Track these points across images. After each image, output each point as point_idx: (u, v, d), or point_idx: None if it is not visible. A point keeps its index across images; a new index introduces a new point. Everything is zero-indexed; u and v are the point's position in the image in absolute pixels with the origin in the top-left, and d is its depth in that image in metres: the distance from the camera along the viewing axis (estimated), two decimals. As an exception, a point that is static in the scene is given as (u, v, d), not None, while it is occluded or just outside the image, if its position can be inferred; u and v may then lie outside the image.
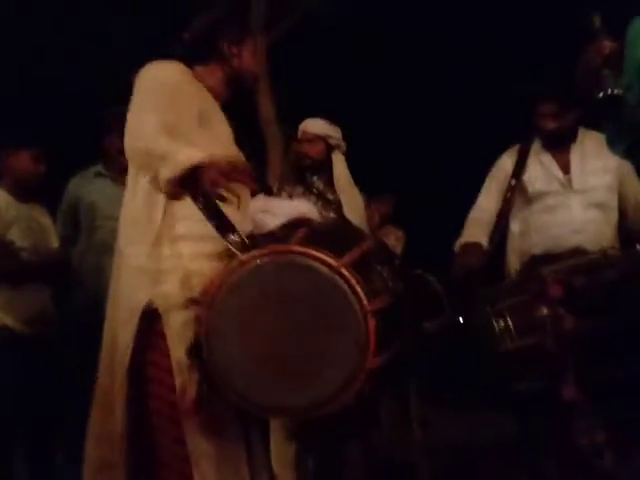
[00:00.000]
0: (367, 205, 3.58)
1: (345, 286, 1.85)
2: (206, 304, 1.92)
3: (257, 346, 1.91)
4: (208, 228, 1.99)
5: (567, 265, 2.57)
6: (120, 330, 2.07)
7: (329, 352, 1.88)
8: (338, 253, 1.90)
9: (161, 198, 2.06)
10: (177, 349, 2.01)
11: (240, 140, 2.34)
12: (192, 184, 1.93)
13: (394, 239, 4.89)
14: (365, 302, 1.84)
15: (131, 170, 2.16)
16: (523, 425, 2.68)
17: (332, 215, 3.21)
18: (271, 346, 1.90)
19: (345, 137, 3.50)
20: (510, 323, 2.43)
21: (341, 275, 1.85)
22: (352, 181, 3.45)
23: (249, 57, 2.27)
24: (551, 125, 2.93)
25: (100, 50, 6.89)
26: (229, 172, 1.89)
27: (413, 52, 6.85)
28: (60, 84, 6.70)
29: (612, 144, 1.81)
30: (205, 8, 2.38)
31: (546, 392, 2.39)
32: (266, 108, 6.67)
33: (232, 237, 1.94)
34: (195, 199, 1.96)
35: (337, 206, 3.30)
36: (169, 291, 2.03)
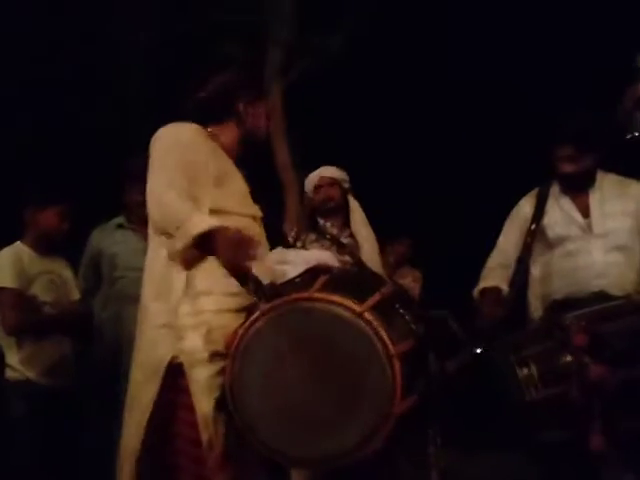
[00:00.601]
0: (382, 247, 3.62)
1: (369, 330, 1.87)
2: (230, 356, 1.94)
3: (282, 396, 1.92)
4: (230, 283, 2.02)
5: (590, 311, 2.55)
6: (142, 388, 2.08)
7: (355, 399, 1.88)
8: (359, 298, 1.92)
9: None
10: (202, 404, 2.02)
11: (257, 194, 2.38)
12: (207, 248, 1.98)
13: (411, 280, 4.94)
14: (390, 345, 1.86)
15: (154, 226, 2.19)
16: (550, 475, 2.65)
17: (347, 259, 3.25)
18: (296, 395, 1.91)
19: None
20: (534, 372, 2.42)
21: (364, 319, 1.87)
22: (368, 223, 3.52)
23: (262, 116, 2.33)
24: (569, 169, 2.93)
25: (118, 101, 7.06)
26: (241, 243, 1.94)
27: (430, 95, 6.93)
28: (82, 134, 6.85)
29: None
30: (220, 67, 2.44)
31: (573, 441, 2.36)
32: (282, 153, 6.76)
33: (254, 287, 1.97)
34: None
35: (352, 250, 3.36)
36: (194, 346, 2.05)
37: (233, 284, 2.02)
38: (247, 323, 1.95)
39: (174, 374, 2.06)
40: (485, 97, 6.78)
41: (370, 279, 2.42)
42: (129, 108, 7.12)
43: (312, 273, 2.09)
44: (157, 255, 2.15)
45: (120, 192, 3.73)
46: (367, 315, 1.88)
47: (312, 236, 3.43)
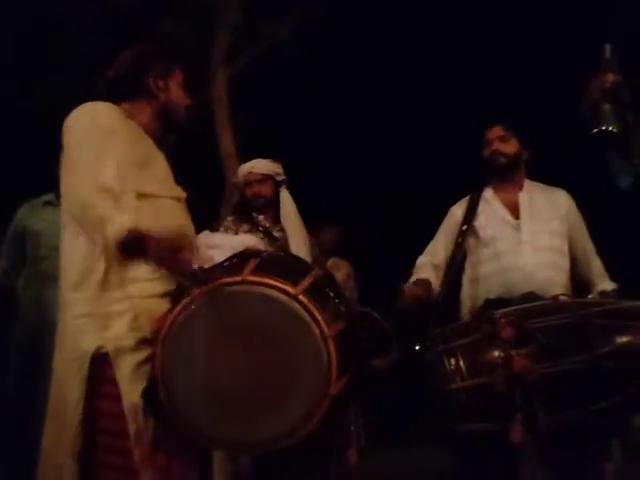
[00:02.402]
0: (310, 238, 3.63)
1: (304, 312, 1.90)
2: (160, 342, 1.92)
3: (215, 381, 1.91)
4: (153, 268, 2.01)
5: (518, 308, 2.67)
6: (69, 383, 2.02)
7: (292, 380, 1.91)
8: (292, 281, 1.95)
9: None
10: (130, 393, 1.97)
11: (180, 174, 2.33)
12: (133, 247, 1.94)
13: (345, 273, 4.92)
14: (325, 327, 1.89)
15: None
16: (468, 465, 2.74)
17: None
18: (230, 380, 1.91)
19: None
20: (461, 362, 2.50)
21: (299, 301, 1.90)
22: (299, 217, 3.53)
23: (177, 90, 2.27)
24: (497, 145, 3.13)
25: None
26: (171, 246, 1.92)
27: (372, 83, 7.01)
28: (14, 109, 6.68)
29: (617, 178, 1.88)
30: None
31: (494, 434, 2.45)
32: (226, 140, 6.74)
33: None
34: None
35: (283, 243, 3.38)
36: (119, 334, 2.01)
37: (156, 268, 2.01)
38: (178, 308, 1.94)
39: (100, 365, 2.01)
40: (424, 91, 6.90)
41: (299, 263, 2.46)
42: (69, 87, 6.96)
43: (241, 257, 2.08)
44: (75, 240, 2.08)
45: (51, 168, 3.66)
46: (302, 297, 1.91)
47: (245, 227, 3.44)
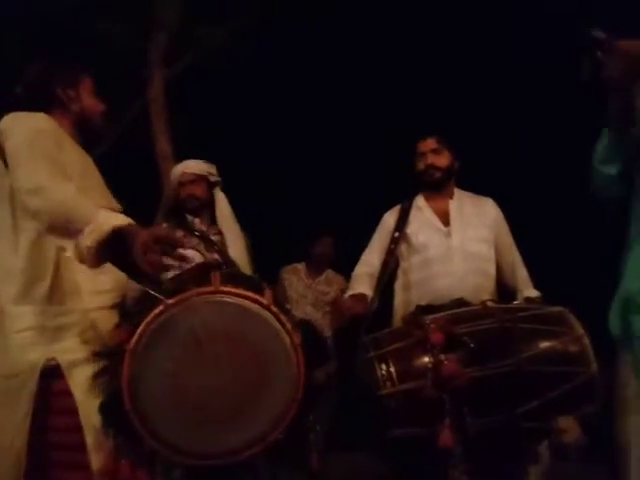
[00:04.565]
0: (247, 239, 3.63)
1: (275, 322, 1.98)
2: (128, 352, 1.91)
3: (187, 391, 1.93)
4: (100, 280, 2.01)
5: (448, 314, 2.76)
6: (12, 398, 1.97)
7: (263, 387, 1.97)
8: (257, 292, 2.02)
9: (51, 251, 2.02)
10: (86, 405, 1.96)
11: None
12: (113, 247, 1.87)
13: (337, 289, 4.86)
14: (294, 336, 1.98)
15: (8, 219, 2.05)
16: (399, 470, 2.82)
17: (216, 256, 3.25)
18: (203, 389, 1.94)
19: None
20: (392, 367, 2.58)
21: (271, 311, 1.98)
22: (234, 218, 3.51)
23: (88, 97, 2.27)
24: (431, 159, 3.24)
25: None
26: (159, 238, 1.85)
27: (311, 89, 7.09)
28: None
29: (604, 164, 1.95)
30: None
31: (424, 438, 2.53)
32: (162, 142, 6.71)
33: (152, 283, 1.95)
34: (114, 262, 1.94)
35: (220, 247, 3.36)
36: (70, 346, 1.99)
37: (103, 281, 2.01)
38: (149, 318, 1.93)
39: (48, 378, 1.98)
40: (359, 99, 7.02)
41: (251, 278, 2.52)
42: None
43: (201, 269, 2.13)
44: (14, 249, 2.03)
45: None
46: (273, 307, 1.98)
47: (179, 233, 3.38)
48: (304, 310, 4.87)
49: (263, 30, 6.59)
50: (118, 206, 2.24)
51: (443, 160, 3.28)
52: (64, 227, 1.89)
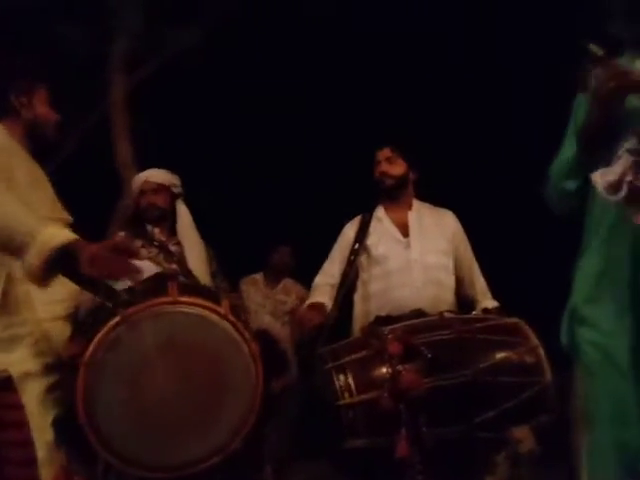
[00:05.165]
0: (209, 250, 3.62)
1: (234, 331, 2.01)
2: (83, 365, 1.91)
3: (147, 403, 1.94)
4: (54, 290, 1.93)
5: (406, 324, 2.80)
6: None
7: (222, 397, 1.99)
8: (214, 302, 2.03)
9: (2, 262, 1.98)
10: (37, 419, 1.92)
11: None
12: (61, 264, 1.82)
13: (295, 298, 4.88)
14: (253, 346, 2.01)
15: None
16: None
17: (175, 267, 3.22)
18: (162, 400, 1.94)
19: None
20: (350, 378, 2.60)
21: (230, 321, 2.01)
22: (196, 230, 3.50)
23: (41, 106, 2.26)
24: (384, 167, 3.30)
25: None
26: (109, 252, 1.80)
27: (278, 103, 7.11)
28: None
29: (564, 180, 1.98)
30: None
31: (382, 449, 2.56)
32: (123, 150, 6.65)
33: (106, 294, 1.94)
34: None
35: (179, 258, 3.33)
36: (22, 358, 1.96)
37: (56, 291, 1.96)
38: (104, 330, 1.93)
39: (0, 390, 1.94)
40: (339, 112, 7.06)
41: (207, 288, 2.53)
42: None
43: (157, 279, 2.14)
44: None
45: None
46: (231, 317, 1.99)
47: (138, 242, 3.31)
48: (263, 320, 4.89)
49: (233, 34, 6.58)
50: (68, 218, 2.21)
51: (396, 168, 3.33)
52: (6, 241, 1.85)
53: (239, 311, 2.28)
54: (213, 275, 3.44)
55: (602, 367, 1.70)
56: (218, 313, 2.00)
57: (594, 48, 1.83)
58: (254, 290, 5.06)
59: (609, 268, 1.76)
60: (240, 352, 2.00)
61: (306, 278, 3.67)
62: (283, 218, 6.58)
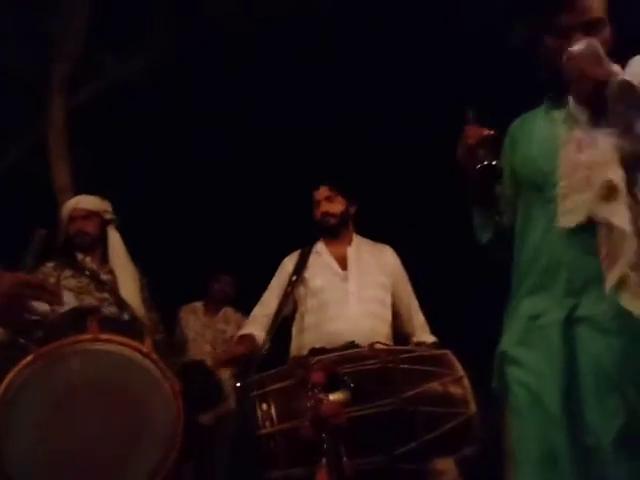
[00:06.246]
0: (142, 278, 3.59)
1: (157, 369, 2.00)
2: None
3: (62, 445, 1.91)
4: None
5: (334, 355, 2.82)
6: None
7: (142, 435, 1.99)
8: (137, 339, 2.00)
9: None
10: None
11: None
12: None
13: (235, 327, 4.80)
14: (174, 383, 2.02)
15: None
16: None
17: (107, 296, 3.16)
18: (79, 440, 1.92)
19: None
20: (272, 407, 2.60)
21: (151, 359, 2.00)
22: (128, 257, 3.48)
23: None
24: (325, 207, 3.35)
25: None
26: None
27: (219, 132, 7.16)
28: None
29: (480, 232, 2.01)
30: None
31: (302, 479, 2.55)
32: (62, 175, 6.57)
33: (21, 329, 1.91)
34: None
35: (112, 286, 3.26)
36: None
37: None
38: (17, 368, 1.89)
39: None
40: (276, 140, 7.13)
41: (133, 323, 2.50)
42: None
43: (77, 314, 2.10)
44: None
45: None
46: (153, 355, 1.97)
47: (68, 272, 3.27)
48: (202, 349, 4.87)
49: (172, 64, 6.63)
50: None
51: (337, 207, 3.39)
52: None
53: (162, 346, 2.26)
54: (144, 302, 3.42)
55: (531, 409, 1.69)
56: (139, 351, 1.98)
57: (469, 113, 1.92)
58: (193, 318, 5.05)
59: (540, 311, 1.76)
60: (161, 391, 1.99)
61: (247, 307, 3.67)
62: (225, 246, 6.59)
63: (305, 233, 3.51)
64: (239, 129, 7.05)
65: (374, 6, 6.38)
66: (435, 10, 6.17)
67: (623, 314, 1.55)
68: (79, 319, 2.08)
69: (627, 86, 1.52)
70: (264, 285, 3.47)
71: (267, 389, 2.67)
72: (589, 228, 1.60)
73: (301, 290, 3.34)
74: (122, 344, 2.00)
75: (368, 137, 6.93)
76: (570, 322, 1.66)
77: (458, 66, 6.30)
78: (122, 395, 1.97)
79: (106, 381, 1.97)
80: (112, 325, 2.08)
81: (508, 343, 1.82)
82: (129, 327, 2.22)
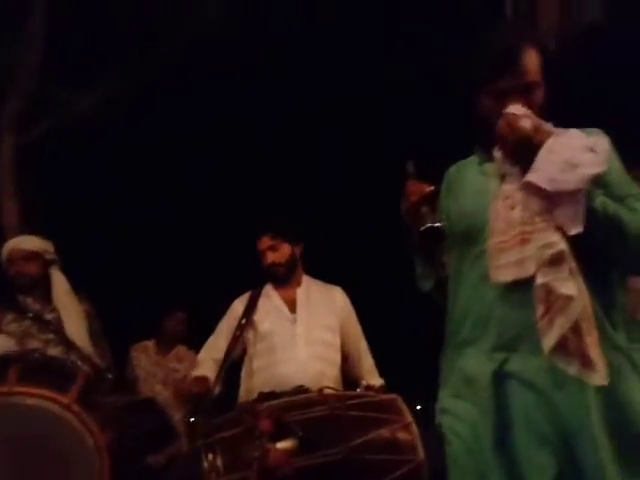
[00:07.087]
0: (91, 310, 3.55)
1: (77, 422, 1.90)
2: None
3: None
4: None
5: (283, 401, 2.82)
6: None
7: None
8: (61, 389, 1.93)
9: None
10: None
11: None
12: None
13: (188, 366, 4.65)
14: (98, 437, 1.91)
15: None
16: None
17: (51, 336, 3.15)
18: None
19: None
20: (219, 457, 2.59)
21: (72, 412, 1.91)
22: (73, 295, 3.45)
23: None
24: (270, 258, 3.37)
25: None
26: None
27: (169, 170, 7.19)
28: None
29: (421, 280, 2.02)
30: None
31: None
32: (10, 214, 6.49)
33: None
34: None
35: (56, 326, 3.25)
36: None
37: None
38: None
39: None
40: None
41: (65, 365, 2.44)
42: None
43: (1, 362, 2.05)
44: None
45: None
46: (74, 407, 1.92)
47: (9, 316, 3.27)
48: (153, 388, 4.80)
49: (125, 100, 6.63)
50: None
51: (282, 255, 3.40)
52: None
53: (131, 380, 2.21)
54: (92, 335, 3.38)
55: (467, 459, 1.70)
56: (60, 403, 1.91)
57: (409, 167, 1.96)
58: (145, 357, 4.98)
59: (471, 364, 1.75)
60: (83, 445, 1.92)
61: (200, 346, 3.66)
62: (177, 284, 6.56)
63: (256, 267, 3.51)
64: (189, 168, 7.08)
65: (304, 54, 6.53)
66: (373, 58, 6.31)
67: (552, 368, 1.58)
68: (1, 368, 2.00)
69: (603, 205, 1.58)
70: (217, 322, 3.46)
71: (213, 438, 2.65)
72: (523, 283, 1.63)
73: (250, 333, 3.35)
74: (40, 396, 1.91)
75: (311, 180, 7.04)
76: (500, 377, 1.68)
77: (396, 112, 6.43)
78: (40, 450, 1.90)
79: (20, 437, 1.90)
80: (36, 374, 2.00)
81: (444, 394, 1.84)
82: (59, 373, 2.14)
